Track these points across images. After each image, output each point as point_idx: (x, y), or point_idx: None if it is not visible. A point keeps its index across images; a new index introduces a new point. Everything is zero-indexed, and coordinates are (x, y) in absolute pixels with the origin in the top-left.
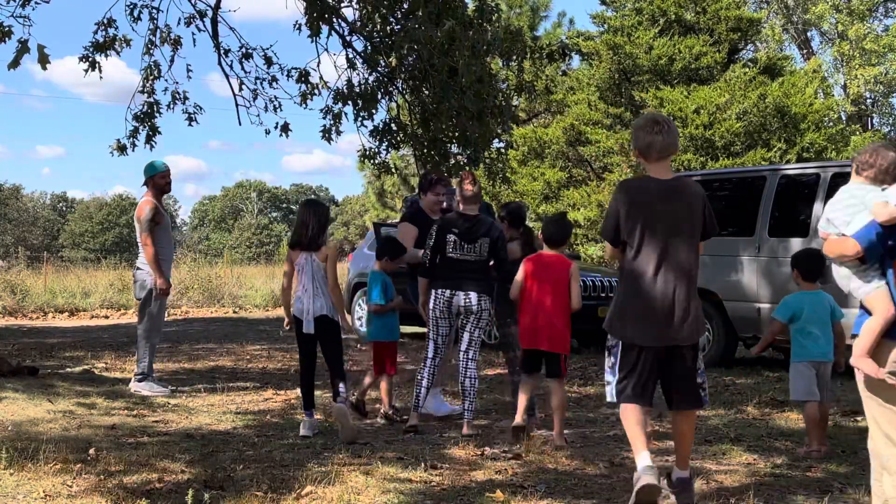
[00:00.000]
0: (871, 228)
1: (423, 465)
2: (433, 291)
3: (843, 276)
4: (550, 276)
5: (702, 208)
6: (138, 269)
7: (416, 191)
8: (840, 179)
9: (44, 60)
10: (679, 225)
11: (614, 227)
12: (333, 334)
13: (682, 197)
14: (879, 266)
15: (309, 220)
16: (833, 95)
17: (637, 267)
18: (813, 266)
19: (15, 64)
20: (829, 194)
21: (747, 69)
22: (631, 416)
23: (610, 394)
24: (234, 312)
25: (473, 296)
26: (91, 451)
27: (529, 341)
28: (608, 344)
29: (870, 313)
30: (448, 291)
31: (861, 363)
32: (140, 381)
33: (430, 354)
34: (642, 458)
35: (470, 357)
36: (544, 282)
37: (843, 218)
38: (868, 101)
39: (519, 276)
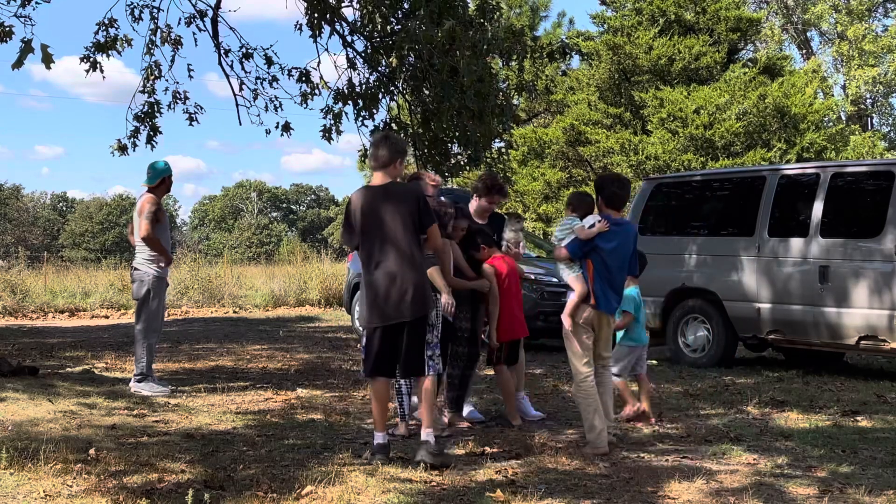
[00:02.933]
0: (573, 243)
1: (423, 464)
2: None
3: (560, 268)
4: (515, 271)
5: (416, 205)
6: (135, 268)
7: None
8: (840, 179)
9: (48, 60)
10: (395, 220)
11: (349, 229)
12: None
13: (394, 197)
14: (579, 263)
15: None
16: (833, 95)
17: (365, 259)
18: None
19: (19, 64)
20: (829, 194)
21: (747, 69)
22: (379, 390)
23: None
24: (234, 312)
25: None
26: (91, 451)
27: (514, 332)
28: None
29: (572, 290)
30: None
31: (565, 319)
32: (140, 381)
33: None
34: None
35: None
36: (514, 277)
37: (560, 236)
38: (867, 101)
39: (492, 273)
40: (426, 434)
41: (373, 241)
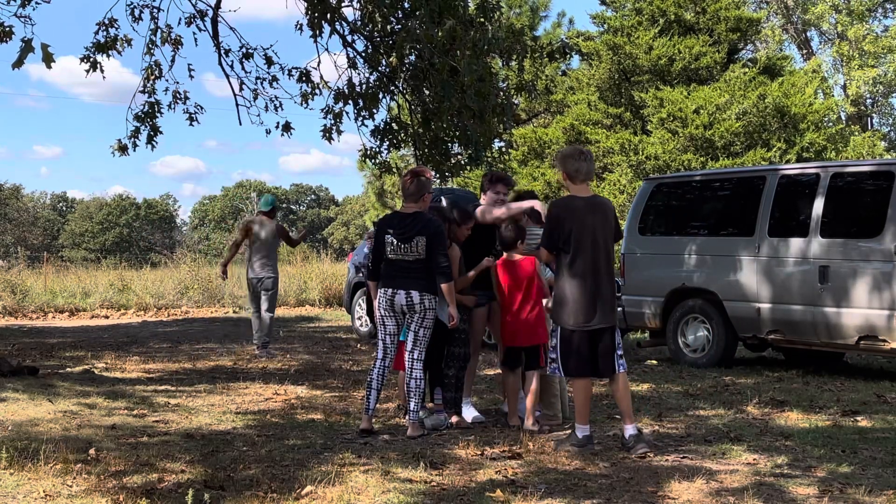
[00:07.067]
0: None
1: (423, 464)
2: (379, 291)
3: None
4: (519, 274)
5: (614, 218)
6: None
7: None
8: (840, 179)
9: (48, 59)
10: (602, 231)
11: (554, 235)
12: (438, 327)
13: (601, 209)
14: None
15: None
16: (833, 96)
17: (569, 264)
18: None
19: (19, 63)
20: (830, 194)
21: (747, 69)
22: (584, 387)
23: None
24: (234, 312)
25: (415, 294)
26: (91, 451)
27: (511, 339)
28: None
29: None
30: (390, 290)
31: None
32: (265, 346)
33: (380, 356)
34: (584, 429)
35: (415, 357)
36: (517, 281)
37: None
38: (867, 101)
39: (495, 278)
40: (631, 428)
41: (582, 248)
